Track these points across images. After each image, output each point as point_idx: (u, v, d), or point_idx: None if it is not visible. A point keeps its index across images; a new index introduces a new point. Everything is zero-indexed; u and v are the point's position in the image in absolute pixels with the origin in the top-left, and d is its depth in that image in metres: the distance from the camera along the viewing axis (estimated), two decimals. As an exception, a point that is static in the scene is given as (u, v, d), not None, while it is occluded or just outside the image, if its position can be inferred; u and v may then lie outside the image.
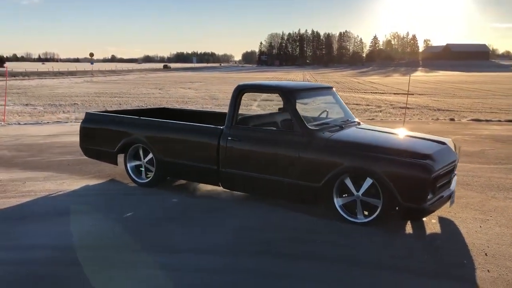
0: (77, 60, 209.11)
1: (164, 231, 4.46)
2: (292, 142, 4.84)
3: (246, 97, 24.53)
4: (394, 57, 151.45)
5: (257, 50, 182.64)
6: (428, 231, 4.48)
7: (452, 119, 14.49)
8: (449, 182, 4.71)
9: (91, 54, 63.85)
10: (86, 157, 6.76)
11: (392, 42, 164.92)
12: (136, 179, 6.11)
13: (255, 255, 3.87)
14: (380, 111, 17.54)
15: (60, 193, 5.74)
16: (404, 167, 4.25)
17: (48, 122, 12.98)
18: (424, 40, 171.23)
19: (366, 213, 4.57)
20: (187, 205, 5.30)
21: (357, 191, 4.50)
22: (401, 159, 4.30)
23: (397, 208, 4.36)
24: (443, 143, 4.87)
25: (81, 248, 4.03)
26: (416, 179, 4.18)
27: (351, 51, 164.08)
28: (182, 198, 5.57)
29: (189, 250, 4.00)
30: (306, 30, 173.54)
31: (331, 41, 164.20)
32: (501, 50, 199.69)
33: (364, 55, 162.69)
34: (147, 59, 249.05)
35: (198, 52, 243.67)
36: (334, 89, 6.12)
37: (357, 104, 20.42)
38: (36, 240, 4.21)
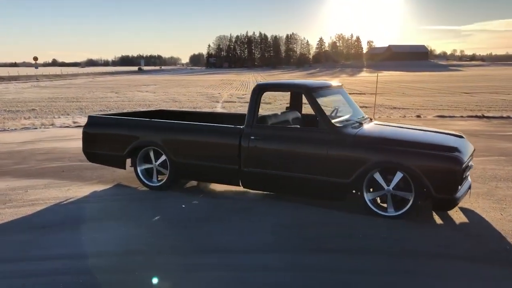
0: (15, 65, 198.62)
1: (203, 232, 4.39)
2: (318, 139, 4.90)
3: (208, 99, 24.54)
4: (340, 58, 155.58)
5: (205, 52, 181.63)
6: (457, 221, 4.68)
7: (418, 116, 15.12)
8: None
9: (35, 58, 60.76)
10: (90, 162, 6.51)
11: (338, 44, 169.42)
12: (148, 182, 5.95)
13: (310, 252, 3.90)
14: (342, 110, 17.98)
15: (70, 200, 5.49)
16: (437, 160, 4.42)
17: (15, 129, 12.30)
18: (368, 42, 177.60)
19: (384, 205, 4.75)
20: (211, 206, 5.23)
21: (387, 185, 4.64)
22: (432, 152, 4.48)
23: (425, 200, 4.53)
24: (461, 136, 5.12)
25: (126, 254, 3.90)
26: (448, 171, 4.37)
27: (298, 53, 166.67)
28: (202, 200, 5.50)
29: (240, 250, 3.97)
30: (254, 33, 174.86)
31: (278, 43, 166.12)
32: (438, 50, 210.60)
33: (310, 57, 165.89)
34: (91, 62, 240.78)
35: (144, 55, 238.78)
36: (343, 87, 6.25)
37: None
38: (71, 249, 4.02)
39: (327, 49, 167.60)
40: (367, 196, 4.76)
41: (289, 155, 5.05)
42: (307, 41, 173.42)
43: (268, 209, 5.09)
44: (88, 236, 4.33)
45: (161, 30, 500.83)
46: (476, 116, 14.75)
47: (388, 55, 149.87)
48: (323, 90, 5.43)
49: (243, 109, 19.91)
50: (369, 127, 5.27)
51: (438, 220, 4.73)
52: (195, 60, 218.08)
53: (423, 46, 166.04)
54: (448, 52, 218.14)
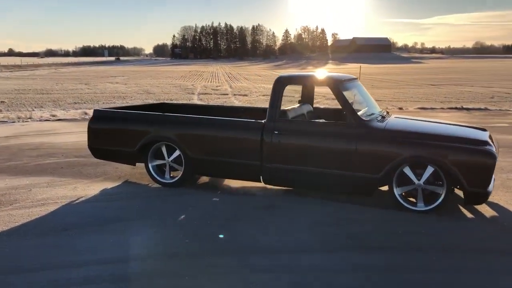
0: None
1: (238, 232, 4.22)
2: (347, 133, 4.80)
3: (182, 91, 24.06)
4: (305, 50, 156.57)
5: (169, 43, 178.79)
6: (487, 214, 4.70)
7: (400, 108, 15.32)
8: None
9: (-6, 47, 57.93)
10: (96, 158, 6.20)
11: (303, 36, 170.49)
12: (160, 179, 5.71)
13: (357, 250, 3.80)
14: (318, 102, 17.99)
15: (82, 199, 5.20)
16: (470, 154, 4.41)
17: (-9, 123, 11.63)
18: (332, 34, 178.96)
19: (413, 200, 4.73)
20: (234, 203, 5.06)
21: (418, 179, 4.60)
22: (466, 146, 4.46)
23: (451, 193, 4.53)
24: (486, 130, 5.14)
25: (164, 257, 3.70)
26: (483, 165, 4.36)
27: (264, 44, 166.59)
28: (222, 197, 5.31)
29: (285, 250, 3.83)
30: (220, 23, 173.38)
31: (244, 34, 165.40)
32: (400, 43, 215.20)
33: (276, 48, 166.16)
34: (50, 53, 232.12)
35: (106, 45, 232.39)
36: (358, 80, 6.17)
37: (297, 96, 20.77)
38: (103, 253, 3.77)
39: (292, 41, 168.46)
40: (396, 191, 4.71)
41: (315, 150, 4.93)
42: (273, 33, 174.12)
43: (295, 206, 4.96)
44: (117, 238, 4.07)
45: (123, 20, 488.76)
46: (456, 108, 15.08)
47: (353, 47, 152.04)
48: (346, 83, 5.31)
49: (220, 101, 19.65)
50: (393, 120, 5.21)
51: (467, 213, 4.73)
52: (159, 50, 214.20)
53: (386, 39, 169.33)
54: (410, 45, 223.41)
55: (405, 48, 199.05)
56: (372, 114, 5.18)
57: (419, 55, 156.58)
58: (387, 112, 5.75)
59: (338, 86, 5.03)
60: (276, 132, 5.01)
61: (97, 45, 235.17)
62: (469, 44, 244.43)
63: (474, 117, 12.73)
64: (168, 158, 5.63)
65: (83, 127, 10.72)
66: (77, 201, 5.12)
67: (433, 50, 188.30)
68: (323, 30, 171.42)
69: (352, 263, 3.58)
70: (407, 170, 4.62)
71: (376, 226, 4.35)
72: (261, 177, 5.25)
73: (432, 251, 3.77)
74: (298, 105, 5.91)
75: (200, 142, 5.38)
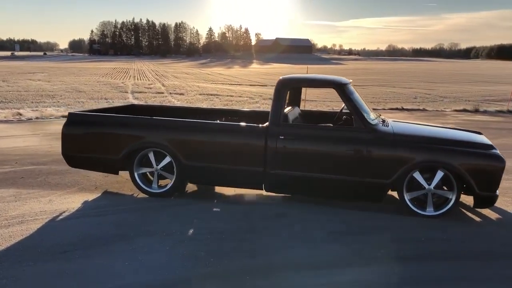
0: None
1: (257, 246, 3.93)
2: (357, 138, 4.68)
3: (114, 89, 22.81)
4: (230, 49, 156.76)
5: (86, 38, 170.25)
6: (492, 217, 4.82)
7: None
8: None
9: None
10: (72, 167, 5.58)
11: (227, 35, 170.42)
12: (148, 188, 5.25)
13: (394, 261, 3.68)
14: (257, 102, 17.98)
15: (66, 214, 4.61)
16: (481, 158, 4.49)
17: None
18: (256, 34, 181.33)
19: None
20: (239, 213, 4.74)
21: (428, 184, 4.60)
22: (477, 150, 4.54)
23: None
24: (480, 133, 5.30)
25: (192, 279, 3.34)
26: (493, 168, 4.46)
27: (187, 42, 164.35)
28: (223, 207, 4.96)
29: (317, 265, 3.60)
30: (141, 19, 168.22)
31: (167, 31, 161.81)
32: (319, 44, 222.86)
33: (200, 46, 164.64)
34: None
35: (16, 39, 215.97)
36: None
37: (238, 96, 20.64)
38: (121, 279, 3.33)
39: (216, 39, 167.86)
40: (407, 196, 4.70)
41: (323, 155, 4.76)
42: (197, 31, 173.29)
43: (303, 214, 4.76)
44: (133, 259, 3.62)
45: (35, 12, 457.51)
46: (397, 109, 15.75)
47: (276, 47, 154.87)
48: (349, 86, 5.19)
49: (157, 100, 18.94)
50: (398, 125, 5.17)
51: (473, 217, 4.82)
52: (75, 46, 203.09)
53: (307, 40, 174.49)
54: (329, 46, 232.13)
55: (324, 50, 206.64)
56: (375, 118, 5.12)
57: (338, 56, 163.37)
58: (379, 115, 5.74)
59: (345, 89, 4.91)
60: (282, 137, 4.79)
61: (4, 39, 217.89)
62: (383, 47, 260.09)
63: (417, 118, 13.31)
64: (157, 165, 5.18)
65: (25, 130, 9.79)
66: (61, 217, 4.54)
67: (350, 52, 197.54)
68: (247, 30, 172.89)
69: (399, 276, 3.44)
70: (417, 175, 4.61)
71: (397, 234, 4.26)
72: (263, 184, 5.00)
73: (465, 260, 3.76)
74: (290, 108, 5.72)
75: (195, 148, 5.00)
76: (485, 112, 15.12)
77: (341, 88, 4.91)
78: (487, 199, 4.57)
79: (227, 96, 20.78)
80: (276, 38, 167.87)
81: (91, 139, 5.28)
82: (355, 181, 4.71)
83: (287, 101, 6.06)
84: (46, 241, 3.93)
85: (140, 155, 5.18)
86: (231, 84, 31.28)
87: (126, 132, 5.15)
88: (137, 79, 33.49)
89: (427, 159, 4.54)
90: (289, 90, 5.01)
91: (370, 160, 4.63)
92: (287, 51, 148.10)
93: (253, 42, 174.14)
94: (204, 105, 16.97)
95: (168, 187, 5.20)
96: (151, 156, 5.18)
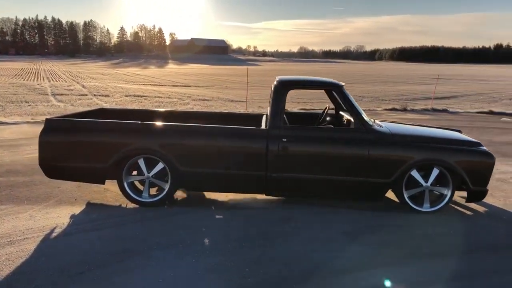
0: None
1: (282, 252, 3.86)
2: (358, 139, 4.77)
3: (32, 92, 21.18)
4: (143, 49, 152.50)
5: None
6: (480, 210, 5.16)
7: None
8: None
9: None
10: (51, 178, 5.06)
11: (140, 34, 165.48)
12: (138, 198, 4.94)
13: (428, 258, 3.81)
14: (188, 103, 17.75)
15: (58, 230, 4.19)
16: (474, 155, 4.80)
17: None
18: (170, 34, 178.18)
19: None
20: (246, 220, 4.62)
21: (425, 182, 4.82)
22: (468, 148, 4.85)
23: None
24: (460, 131, 5.66)
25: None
26: (485, 164, 4.78)
27: (98, 41, 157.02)
28: (223, 213, 4.80)
29: (350, 268, 3.63)
30: (46, 17, 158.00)
31: (75, 30, 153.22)
32: (234, 45, 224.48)
33: (112, 46, 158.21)
34: None
35: None
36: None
37: (167, 97, 20.15)
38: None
39: (129, 39, 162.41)
40: (405, 194, 4.88)
41: (326, 157, 4.79)
42: (108, 30, 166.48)
43: (310, 217, 4.74)
44: (156, 275, 3.38)
45: None
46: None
47: (191, 47, 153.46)
48: (344, 88, 5.26)
49: (83, 102, 17.95)
50: (391, 125, 5.32)
51: (464, 210, 5.12)
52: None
53: (223, 41, 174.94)
54: (243, 47, 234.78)
55: (240, 51, 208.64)
56: (370, 119, 5.25)
57: (253, 57, 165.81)
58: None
59: (343, 90, 4.98)
60: (285, 140, 4.75)
61: None
62: (294, 49, 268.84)
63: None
64: (149, 172, 4.90)
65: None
66: (54, 234, 4.11)
67: (264, 53, 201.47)
68: (160, 29, 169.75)
69: (436, 273, 3.56)
70: (415, 173, 4.82)
71: (408, 232, 4.41)
72: (264, 188, 4.93)
73: (485, 252, 3.97)
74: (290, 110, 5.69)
75: (193, 153, 4.78)
76: (412, 111, 16.20)
77: (340, 90, 4.98)
78: (479, 193, 4.88)
79: (156, 97, 20.21)
80: (192, 38, 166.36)
81: (74, 147, 4.84)
82: (357, 181, 4.80)
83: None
84: (53, 262, 3.54)
85: (129, 162, 4.86)
86: (154, 84, 30.50)
87: (114, 139, 4.79)
88: (52, 80, 31.43)
89: (426, 158, 4.75)
90: (288, 91, 4.97)
91: (372, 160, 4.74)
92: (203, 52, 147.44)
93: (168, 42, 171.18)
94: (135, 106, 16.36)
95: (161, 195, 4.93)
96: (141, 163, 4.88)
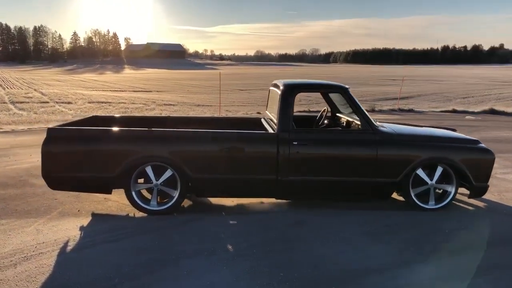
0: None
1: (306, 256, 3.87)
2: (366, 140, 4.86)
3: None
4: (98, 54, 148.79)
5: None
6: (480, 205, 5.35)
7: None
8: None
9: None
10: (55, 190, 4.89)
11: (94, 39, 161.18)
12: (147, 206, 4.82)
13: (451, 255, 3.91)
14: (154, 109, 17.52)
15: (72, 244, 4.03)
16: (475, 152, 5.00)
17: None
18: (125, 38, 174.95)
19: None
20: (261, 224, 4.59)
21: (430, 180, 4.97)
22: (470, 146, 5.04)
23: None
24: (455, 130, 5.87)
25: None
26: (487, 161, 4.99)
27: (49, 47, 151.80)
28: (236, 218, 4.76)
29: (377, 268, 3.69)
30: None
31: (25, 35, 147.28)
32: (190, 50, 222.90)
33: (64, 51, 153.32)
34: None
35: None
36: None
37: (131, 103, 19.79)
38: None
39: (82, 44, 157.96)
40: (412, 192, 5.01)
41: (336, 158, 4.85)
42: (60, 35, 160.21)
43: (324, 218, 4.77)
44: (193, 284, 3.31)
45: None
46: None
47: (147, 52, 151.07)
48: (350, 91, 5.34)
49: (46, 110, 17.38)
50: (393, 126, 5.41)
51: (466, 207, 5.30)
52: None
53: (179, 45, 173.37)
54: (200, 51, 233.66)
55: (196, 55, 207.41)
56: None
57: (211, 61, 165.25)
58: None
59: (349, 93, 5.05)
60: (295, 143, 4.77)
61: None
62: (251, 52, 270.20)
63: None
64: (157, 180, 4.79)
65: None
66: (70, 247, 3.95)
67: (221, 57, 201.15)
68: (115, 34, 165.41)
69: (461, 269, 3.66)
70: (420, 172, 4.96)
71: (424, 229, 4.51)
72: (276, 191, 4.94)
73: (500, 246, 4.12)
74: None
75: (204, 159, 4.72)
76: (381, 111, 16.64)
77: (347, 92, 5.07)
78: (481, 189, 5.07)
79: (120, 103, 19.81)
80: (147, 43, 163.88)
81: (78, 156, 4.67)
82: (367, 181, 4.89)
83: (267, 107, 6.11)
84: (80, 277, 3.39)
85: (137, 170, 4.74)
86: (114, 90, 29.91)
87: (122, 147, 4.67)
88: (7, 88, 30.13)
89: (431, 156, 4.90)
90: (296, 95, 5.00)
91: (380, 160, 4.84)
92: (159, 56, 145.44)
93: (123, 47, 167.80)
94: (101, 113, 15.93)
95: (171, 203, 4.83)
96: (149, 170, 4.77)
